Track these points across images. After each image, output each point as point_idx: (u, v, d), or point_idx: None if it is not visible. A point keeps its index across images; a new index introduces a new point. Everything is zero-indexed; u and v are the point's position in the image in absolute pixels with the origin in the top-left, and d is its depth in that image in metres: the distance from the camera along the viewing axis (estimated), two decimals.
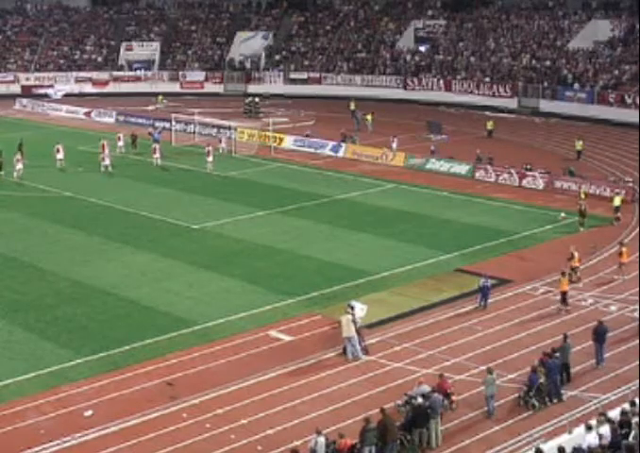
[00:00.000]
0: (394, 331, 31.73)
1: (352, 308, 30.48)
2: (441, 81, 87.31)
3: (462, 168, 56.85)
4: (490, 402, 25.80)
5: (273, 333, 31.81)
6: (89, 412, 26.15)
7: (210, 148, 58.97)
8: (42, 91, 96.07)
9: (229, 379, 28.07)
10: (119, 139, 63.94)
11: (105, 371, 28.76)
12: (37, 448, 24.35)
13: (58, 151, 59.53)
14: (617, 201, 45.72)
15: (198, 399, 26.92)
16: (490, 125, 70.27)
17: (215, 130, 69.33)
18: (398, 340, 31.03)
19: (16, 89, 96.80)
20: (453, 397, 26.10)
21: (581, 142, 61.15)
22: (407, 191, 52.92)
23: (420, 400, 24.63)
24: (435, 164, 58.44)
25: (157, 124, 73.41)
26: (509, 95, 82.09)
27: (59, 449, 24.41)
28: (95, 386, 27.79)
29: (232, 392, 27.41)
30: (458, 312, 33.48)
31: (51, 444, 24.56)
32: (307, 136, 67.30)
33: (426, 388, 25.40)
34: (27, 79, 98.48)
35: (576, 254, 36.46)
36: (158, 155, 59.58)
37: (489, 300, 33.94)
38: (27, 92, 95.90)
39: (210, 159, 58.12)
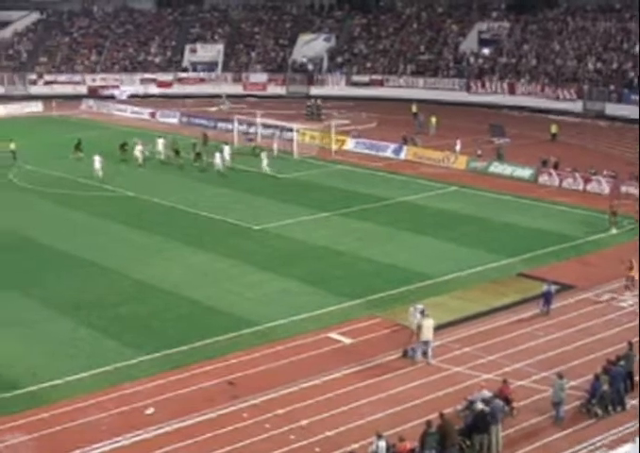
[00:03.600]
0: (454, 335, 31.52)
1: (422, 312, 30.30)
2: (504, 84, 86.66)
3: (525, 172, 56.31)
4: (559, 408, 25.44)
5: (333, 335, 31.78)
6: (150, 410, 26.35)
7: (265, 152, 59.29)
8: (107, 92, 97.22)
9: (290, 380, 28.11)
10: (160, 143, 63.00)
11: (166, 369, 28.97)
12: (98, 445, 24.59)
13: (136, 144, 60.92)
14: None
15: (259, 399, 26.99)
16: (554, 128, 69.51)
17: (277, 132, 69.52)
18: (459, 344, 30.82)
19: (83, 90, 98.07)
20: (514, 403, 25.84)
21: None
22: (469, 194, 52.59)
23: (481, 405, 24.41)
24: (498, 167, 57.98)
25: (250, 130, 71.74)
26: (573, 99, 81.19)
27: (120, 446, 24.64)
28: (157, 384, 28.02)
29: (293, 392, 27.44)
30: (520, 318, 33.15)
31: (112, 440, 24.80)
32: (355, 136, 67.53)
33: (487, 393, 25.16)
34: (94, 80, 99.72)
35: (636, 264, 35.74)
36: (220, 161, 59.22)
37: (552, 306, 33.55)
38: (94, 92, 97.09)
39: (265, 160, 58.24)
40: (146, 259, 40.74)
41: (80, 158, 60.89)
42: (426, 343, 29.47)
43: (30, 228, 45.84)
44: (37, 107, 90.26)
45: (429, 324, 29.56)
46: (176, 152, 61.46)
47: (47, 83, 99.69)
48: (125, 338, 31.57)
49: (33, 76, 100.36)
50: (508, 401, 25.57)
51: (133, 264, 39.83)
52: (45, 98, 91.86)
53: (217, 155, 58.45)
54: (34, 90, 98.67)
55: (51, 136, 73.41)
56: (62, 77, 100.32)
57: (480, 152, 60.94)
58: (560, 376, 25.83)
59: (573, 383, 27.31)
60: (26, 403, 26.87)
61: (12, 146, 62.33)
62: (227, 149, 60.29)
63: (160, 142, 62.69)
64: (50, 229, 45.92)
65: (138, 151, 60.45)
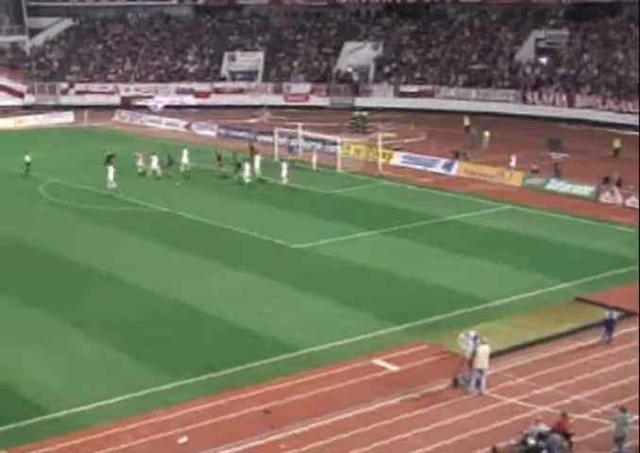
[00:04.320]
0: (508, 364, 31.24)
1: (475, 338, 30.08)
2: (563, 96, 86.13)
3: (584, 189, 55.89)
4: (621, 444, 25.09)
5: (378, 362, 31.65)
6: (183, 439, 26.36)
7: (285, 163, 59.75)
8: (141, 102, 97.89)
9: (332, 409, 27.99)
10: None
11: (201, 396, 28.98)
12: None
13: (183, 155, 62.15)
14: None
15: (299, 429, 26.90)
16: (617, 143, 68.96)
17: (319, 145, 69.60)
18: (513, 374, 30.55)
19: (115, 100, 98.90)
20: (573, 438, 25.52)
21: None
22: (524, 213, 52.26)
23: (533, 441, 24.12)
24: (556, 185, 57.61)
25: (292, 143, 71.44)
26: (638, 112, 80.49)
27: None
28: (190, 411, 28.02)
29: (334, 423, 27.31)
30: (579, 346, 32.81)
31: None
32: (397, 149, 67.68)
33: (543, 427, 24.90)
34: (127, 90, 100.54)
35: None
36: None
37: (614, 334, 33.17)
38: (127, 103, 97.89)
39: (285, 171, 58.48)
40: (179, 277, 40.89)
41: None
42: (480, 371, 29.25)
43: (59, 244, 46.26)
44: (68, 117, 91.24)
45: (484, 350, 29.34)
46: (218, 158, 62.83)
47: (79, 93, 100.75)
48: (156, 361, 31.65)
49: (64, 86, 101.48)
50: (566, 436, 25.28)
51: (165, 283, 40.01)
52: (77, 108, 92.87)
53: (246, 166, 58.83)
54: (65, 100, 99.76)
55: (82, 148, 74.02)
56: (95, 87, 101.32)
57: (535, 167, 60.60)
58: (623, 409, 25.49)
59: (637, 417, 26.96)
60: (55, 429, 27.00)
61: (27, 159, 63.00)
62: (257, 160, 60.64)
63: (185, 153, 63.08)
64: (79, 245, 46.33)
65: (154, 163, 61.61)
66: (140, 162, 62.44)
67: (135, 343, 33.36)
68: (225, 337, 33.99)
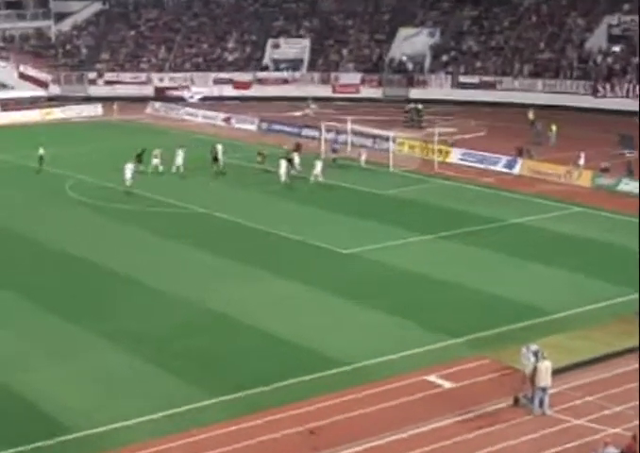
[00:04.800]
0: (575, 382, 31.12)
1: (536, 353, 30.01)
2: (637, 87, 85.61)
3: None
4: None
5: (432, 378, 31.66)
6: None
7: (319, 161, 60.17)
8: (176, 93, 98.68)
9: (383, 429, 28.03)
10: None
11: (239, 414, 29.08)
12: None
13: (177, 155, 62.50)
14: None
15: (346, 451, 26.99)
16: None
17: (370, 141, 69.73)
18: (581, 392, 30.43)
19: (149, 91, 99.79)
20: None
21: None
22: (595, 216, 52.08)
23: None
24: (629, 185, 57.30)
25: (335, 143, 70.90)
26: None
27: None
28: (228, 431, 28.12)
29: (385, 444, 27.35)
30: None
31: None
32: (451, 145, 67.95)
33: (613, 450, 24.82)
34: (161, 80, 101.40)
35: None
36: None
37: None
38: (161, 94, 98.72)
39: (319, 168, 58.73)
40: (216, 284, 41.19)
41: (142, 171, 61.93)
42: (543, 389, 29.19)
43: (85, 247, 46.82)
44: (96, 110, 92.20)
45: (546, 366, 29.28)
46: (259, 154, 63.72)
47: (109, 83, 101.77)
48: (191, 376, 31.87)
49: (93, 75, 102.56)
50: None
51: (201, 291, 40.30)
52: (106, 100, 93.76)
53: (283, 163, 59.09)
54: (93, 90, 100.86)
55: (111, 143, 74.78)
56: (126, 77, 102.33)
57: (605, 165, 60.27)
58: None
59: None
60: (81, 450, 27.23)
61: (41, 151, 63.86)
62: (296, 158, 61.01)
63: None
64: (107, 249, 46.85)
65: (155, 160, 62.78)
66: (155, 161, 62.96)
67: (168, 355, 33.59)
68: (264, 350, 34.15)
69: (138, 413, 29.08)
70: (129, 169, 57.95)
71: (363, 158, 64.31)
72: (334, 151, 66.42)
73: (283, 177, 59.05)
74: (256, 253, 45.87)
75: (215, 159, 63.12)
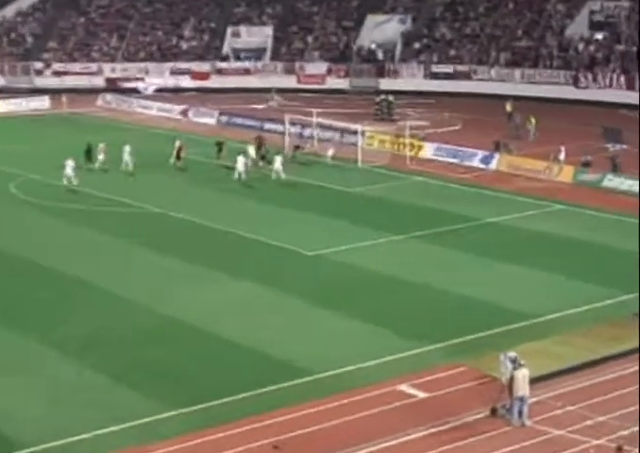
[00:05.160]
0: (557, 390, 31.23)
1: (514, 360, 30.06)
2: (622, 77, 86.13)
3: None
4: None
5: (405, 387, 31.68)
6: None
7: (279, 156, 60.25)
8: (129, 84, 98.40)
9: (352, 442, 27.98)
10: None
11: (198, 428, 28.97)
12: None
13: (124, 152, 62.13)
14: None
15: None
16: None
17: (338, 134, 69.77)
18: (563, 401, 30.54)
19: (99, 82, 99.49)
20: None
21: None
22: (576, 213, 52.34)
23: None
24: (613, 181, 57.65)
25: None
26: None
27: None
28: (186, 446, 27.98)
29: None
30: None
31: None
32: (422, 139, 68.27)
33: None
34: (113, 71, 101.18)
35: None
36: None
37: None
38: (113, 85, 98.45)
39: (278, 164, 58.93)
40: (174, 289, 41.06)
41: (92, 168, 61.72)
42: (521, 399, 29.25)
43: (31, 249, 46.57)
44: (43, 102, 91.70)
45: (523, 374, 29.33)
46: (220, 149, 63.49)
47: (57, 74, 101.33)
48: (147, 387, 31.76)
49: (40, 66, 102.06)
50: None
51: (156, 295, 40.23)
52: (54, 92, 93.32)
53: (240, 159, 59.21)
54: (40, 81, 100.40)
55: (60, 138, 74.45)
56: (75, 67, 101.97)
57: (587, 158, 60.54)
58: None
59: None
60: None
61: None
62: (250, 151, 61.05)
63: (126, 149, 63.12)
64: (55, 251, 46.67)
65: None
66: (101, 156, 62.65)
67: (122, 365, 33.45)
68: (226, 359, 34.08)
69: (89, 427, 28.89)
70: (69, 166, 57.62)
71: (330, 153, 64.31)
72: (297, 147, 66.24)
73: (241, 174, 58.86)
74: (216, 255, 45.80)
75: (178, 155, 62.94)
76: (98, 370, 33.00)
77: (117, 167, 62.22)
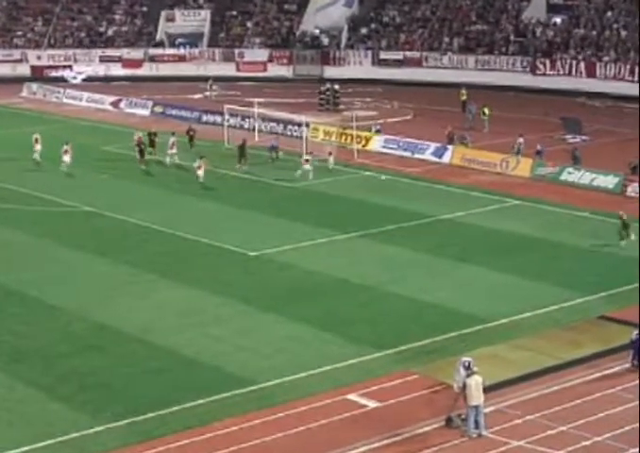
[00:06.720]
0: (515, 398, 31.46)
1: (468, 366, 30.17)
2: (581, 64, 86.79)
3: (608, 180, 56.48)
4: None
5: (354, 397, 31.79)
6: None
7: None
8: (56, 73, 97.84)
9: None
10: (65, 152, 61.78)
11: (133, 442, 28.93)
12: None
13: (65, 152, 60.95)
14: None
15: None
16: None
17: (281, 126, 69.82)
18: (521, 410, 30.76)
19: (24, 70, 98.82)
20: None
21: None
22: (534, 209, 52.75)
23: None
24: (573, 175, 58.10)
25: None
26: None
27: None
28: None
29: None
30: (602, 374, 33.09)
31: None
32: (377, 132, 68.28)
33: None
34: (39, 58, 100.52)
35: None
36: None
37: None
38: (38, 74, 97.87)
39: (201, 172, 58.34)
40: (108, 295, 40.95)
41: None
42: (476, 407, 29.40)
43: None
44: None
45: (476, 382, 29.47)
46: (152, 143, 63.45)
47: None
48: (78, 400, 31.63)
49: None
50: None
51: (91, 302, 40.07)
52: None
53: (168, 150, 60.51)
54: None
55: None
56: None
57: (539, 147, 60.99)
58: None
59: None
60: None
61: None
62: (173, 141, 61.74)
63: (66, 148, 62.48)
64: None
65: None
66: (37, 147, 62.55)
67: (51, 377, 33.30)
68: (164, 369, 33.98)
69: (17, 443, 28.76)
70: None
71: (331, 158, 63.31)
72: (273, 148, 64.57)
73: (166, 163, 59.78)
74: (153, 257, 45.74)
75: (142, 151, 62.29)
76: (28, 383, 32.80)
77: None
